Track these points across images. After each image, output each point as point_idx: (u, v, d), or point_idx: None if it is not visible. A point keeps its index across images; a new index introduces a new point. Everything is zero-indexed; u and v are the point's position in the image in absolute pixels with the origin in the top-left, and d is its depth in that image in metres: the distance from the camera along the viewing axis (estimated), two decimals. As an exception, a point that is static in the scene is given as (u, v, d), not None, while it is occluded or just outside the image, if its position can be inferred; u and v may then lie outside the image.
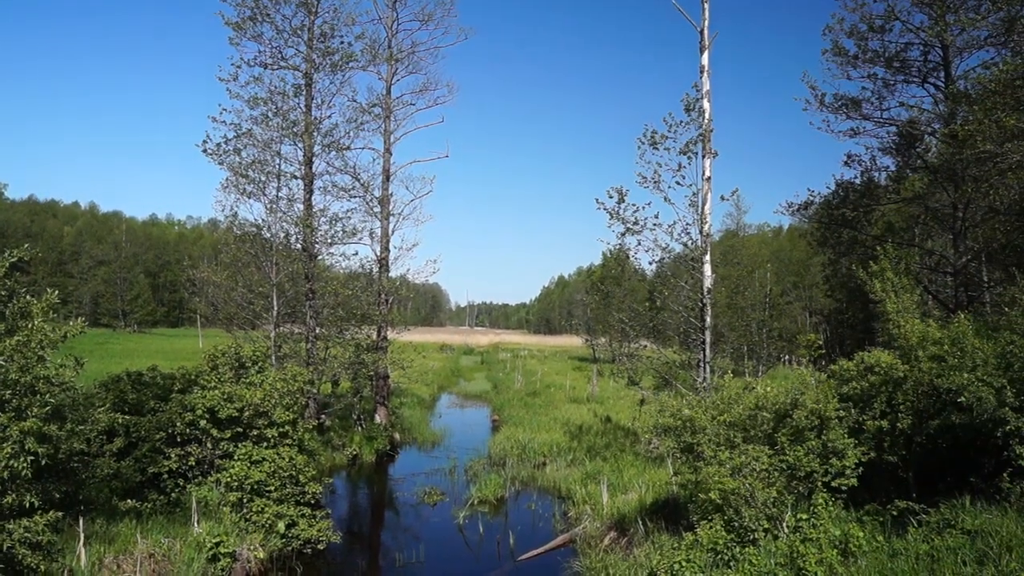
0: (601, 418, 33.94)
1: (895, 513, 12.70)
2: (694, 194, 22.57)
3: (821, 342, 29.67)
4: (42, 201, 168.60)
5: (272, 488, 17.01)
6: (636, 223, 23.05)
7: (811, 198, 29.61)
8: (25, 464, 11.10)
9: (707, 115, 22.57)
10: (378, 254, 33.65)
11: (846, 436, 13.35)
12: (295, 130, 28.27)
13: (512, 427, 33.01)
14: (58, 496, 12.72)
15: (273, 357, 25.76)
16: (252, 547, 16.22)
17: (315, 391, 28.53)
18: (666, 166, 22.37)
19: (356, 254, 33.87)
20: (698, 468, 13.88)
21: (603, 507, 19.35)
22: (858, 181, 28.92)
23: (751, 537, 12.62)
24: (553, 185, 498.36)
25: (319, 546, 17.06)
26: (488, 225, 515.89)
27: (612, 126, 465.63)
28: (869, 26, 26.61)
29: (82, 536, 13.56)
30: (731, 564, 12.20)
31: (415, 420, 36.74)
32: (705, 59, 23.08)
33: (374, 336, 32.82)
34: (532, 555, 17.97)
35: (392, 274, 34.24)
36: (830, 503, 12.70)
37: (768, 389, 14.78)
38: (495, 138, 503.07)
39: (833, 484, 13.02)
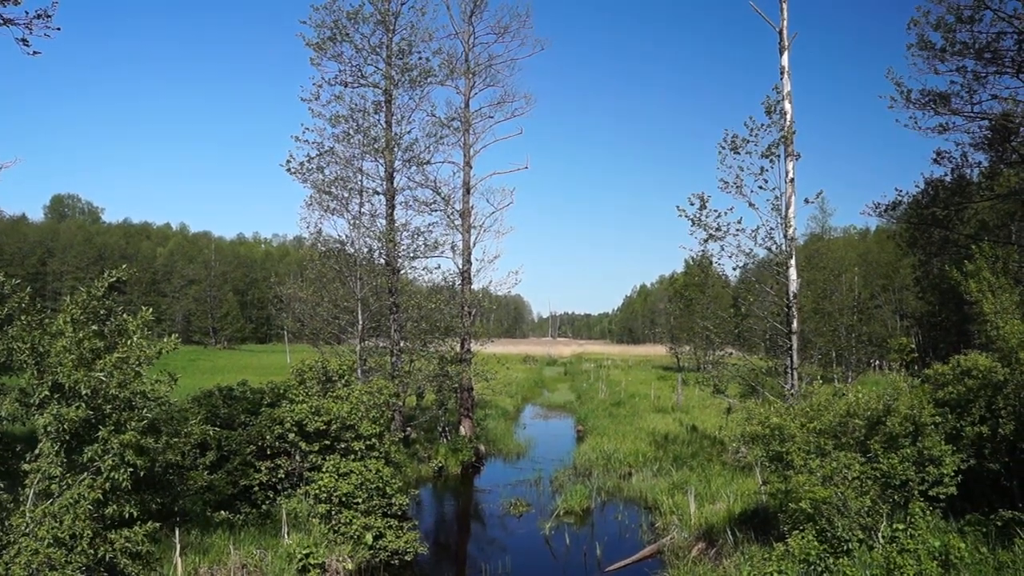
0: (687, 427, 33.53)
1: (999, 523, 12.18)
2: (777, 198, 22.10)
3: (913, 346, 28.75)
4: (136, 223, 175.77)
5: (360, 500, 17.22)
6: (718, 229, 22.65)
7: (899, 198, 28.67)
8: (125, 476, 11.52)
9: (788, 117, 22.13)
10: (460, 267, 33.88)
11: (943, 443, 12.88)
12: (376, 146, 28.65)
13: (597, 437, 32.79)
14: (155, 507, 13.17)
15: (359, 371, 26.09)
16: (341, 558, 16.46)
17: (400, 404, 28.82)
18: (748, 170, 21.98)
19: (438, 267, 34.59)
20: (788, 477, 13.58)
21: (691, 517, 19.07)
22: (948, 178, 27.87)
23: (845, 548, 12.25)
24: (633, 193, 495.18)
25: (406, 557, 17.20)
26: (568, 235, 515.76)
27: (690, 132, 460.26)
28: (957, 17, 25.64)
29: (178, 546, 13.97)
30: (824, 576, 11.87)
31: (499, 431, 36.80)
32: (785, 60, 22.65)
33: (457, 348, 33.00)
34: (619, 566, 17.79)
35: (474, 286, 34.42)
36: (928, 513, 12.26)
37: (859, 395, 14.36)
38: (573, 148, 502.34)
39: (931, 493, 12.56)
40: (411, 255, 29.89)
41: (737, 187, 22.26)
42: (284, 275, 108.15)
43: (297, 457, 18.55)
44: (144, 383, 12.40)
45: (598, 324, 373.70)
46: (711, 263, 24.62)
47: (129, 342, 12.35)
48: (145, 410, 12.29)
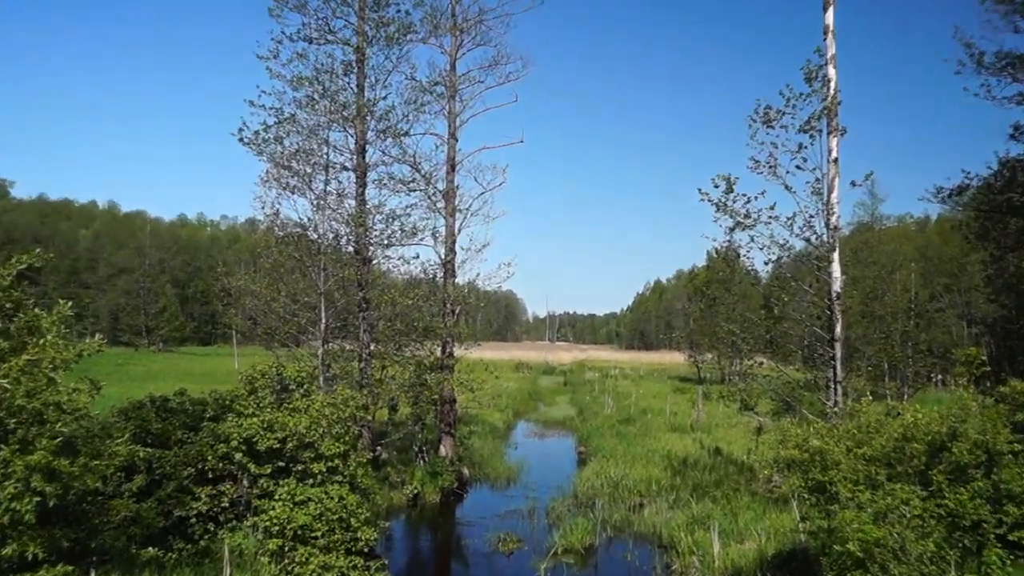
0: (709, 450, 33.38)
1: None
2: (818, 180, 21.90)
3: (984, 357, 28.42)
4: (54, 200, 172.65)
5: (319, 534, 16.89)
6: (748, 216, 22.56)
7: (967, 181, 28.39)
8: (30, 507, 11.08)
9: (833, 84, 21.88)
10: (442, 257, 33.61)
11: (1024, 476, 12.62)
12: (345, 114, 28.36)
13: (602, 460, 32.62)
14: (67, 544, 12.74)
15: (321, 378, 25.88)
16: (295, 603, 16.12)
17: (369, 418, 28.54)
18: (783, 147, 21.90)
19: (417, 257, 34.08)
20: (832, 512, 13.35)
21: (714, 559, 18.81)
22: (1029, 158, 27.67)
23: (903, 601, 11.96)
24: (646, 174, 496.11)
25: (374, 603, 16.88)
26: (570, 222, 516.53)
27: (713, 105, 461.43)
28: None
29: (97, 591, 13.58)
30: (877, 633, 11.57)
31: (487, 452, 36.57)
32: (829, 17, 22.38)
33: (438, 353, 32.72)
34: (628, 616, 17.49)
35: (459, 280, 34.18)
36: (1007, 561, 11.97)
37: (918, 415, 14.12)
38: (576, 120, 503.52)
39: (1010, 537, 12.29)
40: (385, 242, 29.66)
41: (770, 167, 22.17)
42: (234, 264, 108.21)
43: (244, 482, 18.19)
44: (59, 392, 12.03)
45: (604, 326, 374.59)
46: (738, 256, 24.51)
47: (41, 342, 11.99)
48: (59, 425, 11.92)
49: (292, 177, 27.81)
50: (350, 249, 29.26)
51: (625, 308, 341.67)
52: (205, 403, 19.96)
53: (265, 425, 17.80)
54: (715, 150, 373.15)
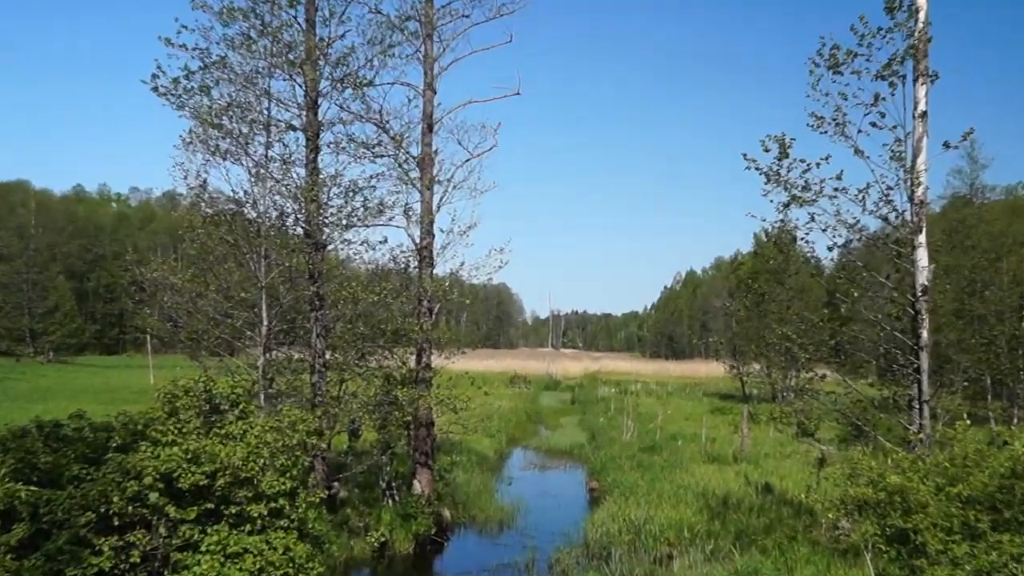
0: (756, 486, 33.27)
1: None
2: (899, 141, 21.67)
3: None
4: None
5: (258, 596, 16.74)
6: (806, 188, 22.44)
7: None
8: None
9: (922, 15, 21.55)
10: (417, 241, 33.39)
11: None
12: (291, 57, 28.15)
13: (619, 499, 32.58)
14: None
15: (262, 396, 25.77)
16: None
17: (324, 446, 28.34)
18: (854, 99, 21.69)
19: (384, 241, 33.36)
20: (917, 569, 13.23)
21: (764, 627, 18.71)
22: None
23: None
24: (676, 138, 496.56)
25: None
26: (580, 198, 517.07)
27: (770, 44, 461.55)
28: None
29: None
30: None
31: (473, 489, 36.49)
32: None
33: (412, 363, 32.66)
34: None
35: (438, 270, 34.10)
36: None
37: (1032, 445, 14.01)
38: (587, 69, 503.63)
39: None
40: (344, 222, 29.47)
41: (837, 125, 22.05)
42: (148, 250, 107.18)
43: (161, 530, 17.88)
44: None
45: (622, 329, 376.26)
46: (794, 240, 24.43)
47: None
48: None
49: (223, 138, 27.50)
50: (299, 231, 29.11)
51: (649, 306, 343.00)
52: (110, 429, 19.65)
53: (189, 456, 17.56)
54: (768, 103, 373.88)
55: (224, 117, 27.39)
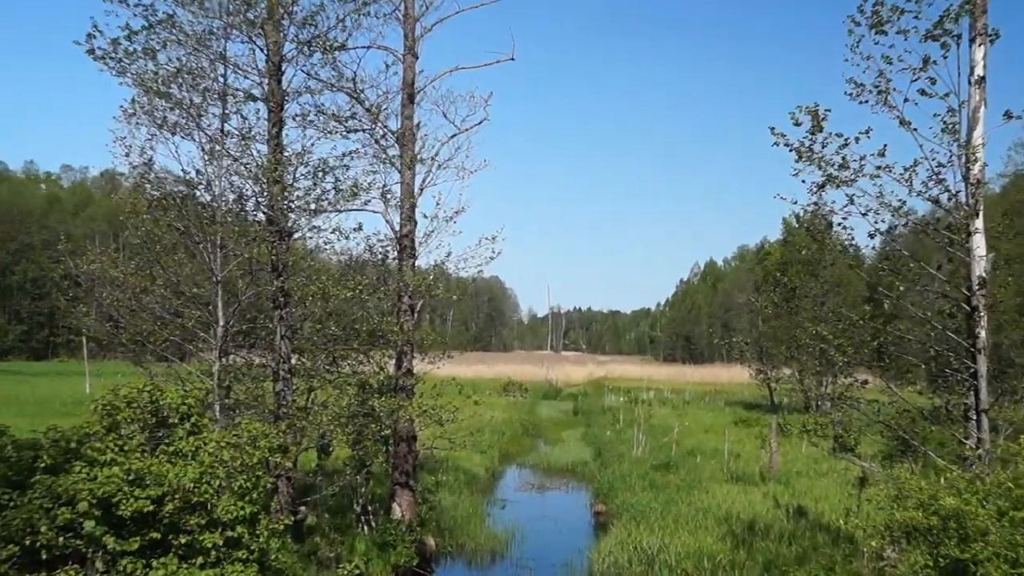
0: (788, 510, 33.37)
1: None
2: (951, 111, 21.51)
3: None
4: None
5: (212, 639, 16.71)
6: (844, 166, 22.22)
7: None
8: None
9: (979, -35, 21.56)
10: (397, 228, 33.39)
11: None
12: (250, 16, 28.00)
13: (630, 524, 32.67)
14: None
15: (217, 407, 25.59)
16: None
17: (290, 465, 28.21)
18: (900, 62, 21.45)
19: (359, 229, 33.04)
20: (977, 606, 13.17)
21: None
22: None
23: None
24: (693, 108, 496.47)
25: None
26: (582, 182, 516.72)
27: (792, 16, 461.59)
28: None
29: None
30: None
31: (461, 513, 36.60)
32: None
33: (391, 369, 32.65)
34: None
35: (421, 262, 34.15)
36: None
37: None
38: (594, 31, 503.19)
39: None
40: (312, 207, 29.32)
41: (880, 93, 21.81)
42: (84, 239, 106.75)
43: (98, 564, 17.81)
44: None
45: (631, 328, 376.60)
46: (830, 226, 24.31)
47: None
48: None
49: (172, 110, 27.21)
50: (260, 217, 28.99)
51: (663, 303, 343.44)
52: (38, 447, 19.52)
53: (131, 478, 17.49)
54: (799, 73, 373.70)
55: (173, 85, 27.06)
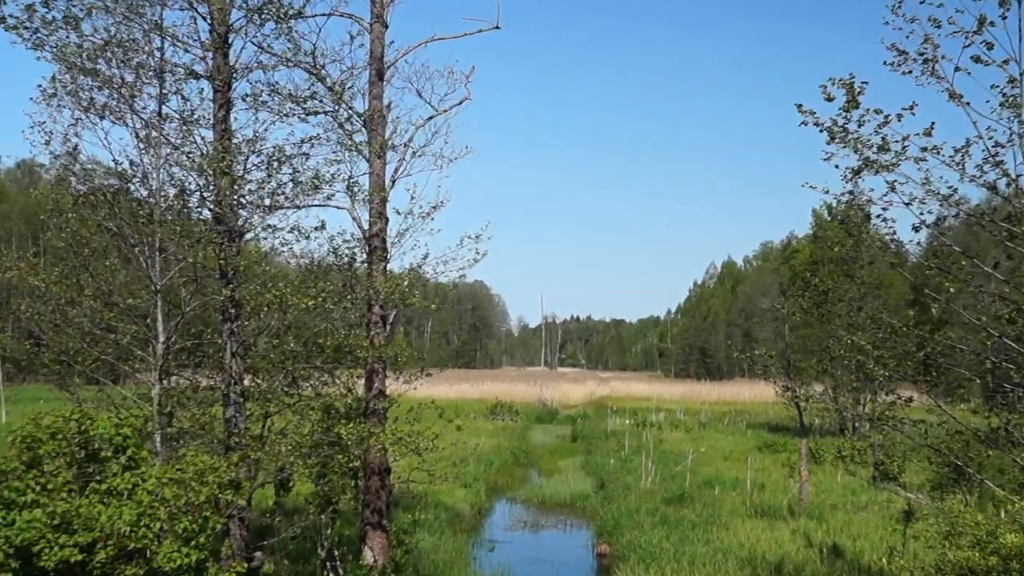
0: (821, 549, 33.36)
1: None
2: (1012, 81, 21.37)
3: None
4: None
5: None
6: (884, 147, 22.03)
7: None
8: None
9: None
10: (365, 227, 33.26)
11: None
12: (190, -23, 27.85)
13: (638, 567, 32.78)
14: None
15: (158, 437, 25.41)
16: None
17: (243, 503, 28.01)
18: (950, 26, 21.23)
19: (322, 227, 32.74)
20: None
21: None
22: None
23: None
24: (703, 94, 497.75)
25: None
26: (580, 174, 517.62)
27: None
28: None
29: None
30: None
31: (443, 557, 36.63)
32: None
33: (360, 391, 32.55)
34: None
35: (394, 266, 34.13)
36: None
37: None
38: (591, 10, 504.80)
39: None
40: (267, 203, 29.12)
41: (926, 61, 21.56)
42: None
43: (20, 622, 17.75)
44: None
45: (638, 340, 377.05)
46: (868, 217, 24.18)
47: None
48: None
49: (100, 89, 27.05)
50: (206, 215, 28.89)
51: (674, 310, 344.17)
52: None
53: (56, 522, 17.37)
54: (829, 47, 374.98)
55: (100, 60, 26.80)
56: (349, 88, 32.59)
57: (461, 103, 34.77)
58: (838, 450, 48.61)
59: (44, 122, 27.25)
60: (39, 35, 26.70)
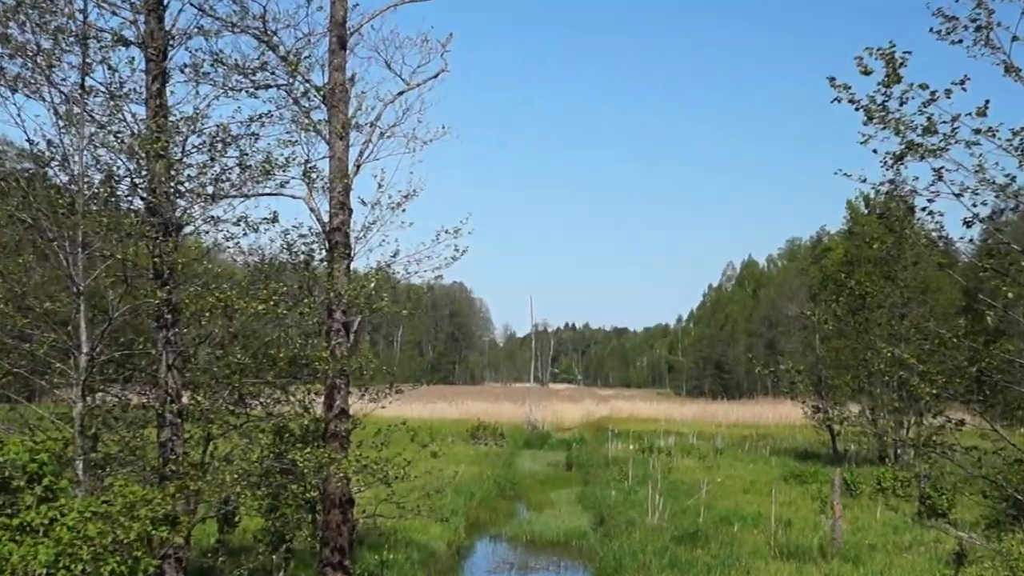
0: (857, 598, 33.16)
1: None
2: (1078, 52, 21.54)
3: None
4: None
5: None
6: (930, 129, 21.99)
7: None
8: None
9: None
10: (325, 219, 33.19)
11: None
12: (120, -70, 27.80)
13: (644, 618, 32.35)
14: None
15: (80, 464, 25.17)
16: None
17: (181, 541, 27.99)
18: (1005, -12, 21.46)
19: (274, 220, 32.28)
20: None
21: None
22: None
23: None
24: (721, 69, 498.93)
25: None
26: (575, 160, 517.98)
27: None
28: None
29: None
30: None
31: (416, 604, 36.26)
32: None
33: (318, 409, 32.51)
34: None
35: (359, 264, 34.15)
36: None
37: None
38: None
39: None
40: (209, 191, 29.24)
41: (979, 29, 21.49)
42: None
43: None
44: None
45: (644, 352, 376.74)
46: (912, 210, 24.17)
47: None
48: None
49: (11, 58, 27.00)
50: (138, 205, 28.86)
51: (685, 317, 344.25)
52: None
53: (-39, 563, 17.34)
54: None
55: (11, 23, 26.70)
56: (306, 58, 32.59)
57: (437, 76, 34.76)
58: (877, 481, 48.74)
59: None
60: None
